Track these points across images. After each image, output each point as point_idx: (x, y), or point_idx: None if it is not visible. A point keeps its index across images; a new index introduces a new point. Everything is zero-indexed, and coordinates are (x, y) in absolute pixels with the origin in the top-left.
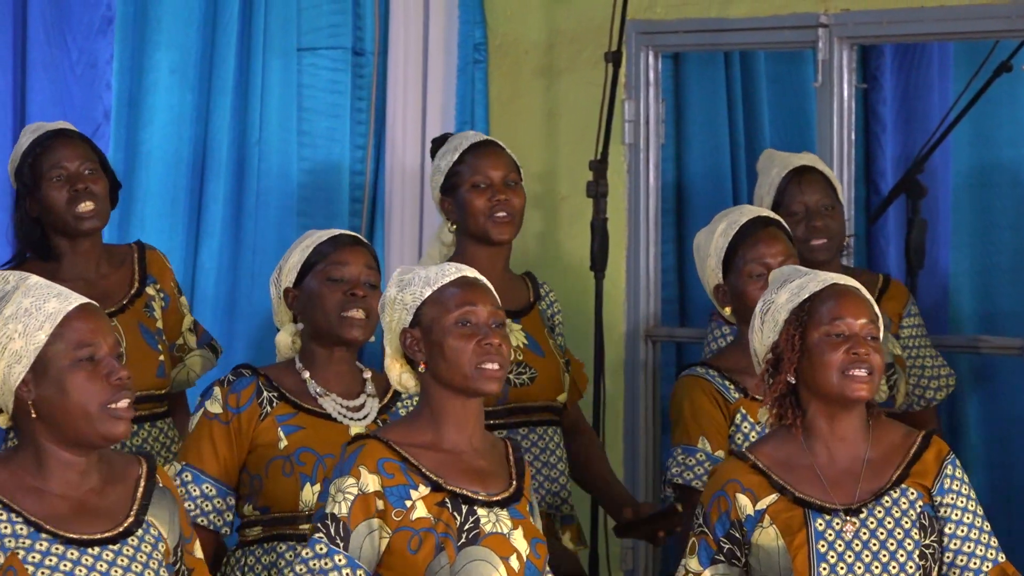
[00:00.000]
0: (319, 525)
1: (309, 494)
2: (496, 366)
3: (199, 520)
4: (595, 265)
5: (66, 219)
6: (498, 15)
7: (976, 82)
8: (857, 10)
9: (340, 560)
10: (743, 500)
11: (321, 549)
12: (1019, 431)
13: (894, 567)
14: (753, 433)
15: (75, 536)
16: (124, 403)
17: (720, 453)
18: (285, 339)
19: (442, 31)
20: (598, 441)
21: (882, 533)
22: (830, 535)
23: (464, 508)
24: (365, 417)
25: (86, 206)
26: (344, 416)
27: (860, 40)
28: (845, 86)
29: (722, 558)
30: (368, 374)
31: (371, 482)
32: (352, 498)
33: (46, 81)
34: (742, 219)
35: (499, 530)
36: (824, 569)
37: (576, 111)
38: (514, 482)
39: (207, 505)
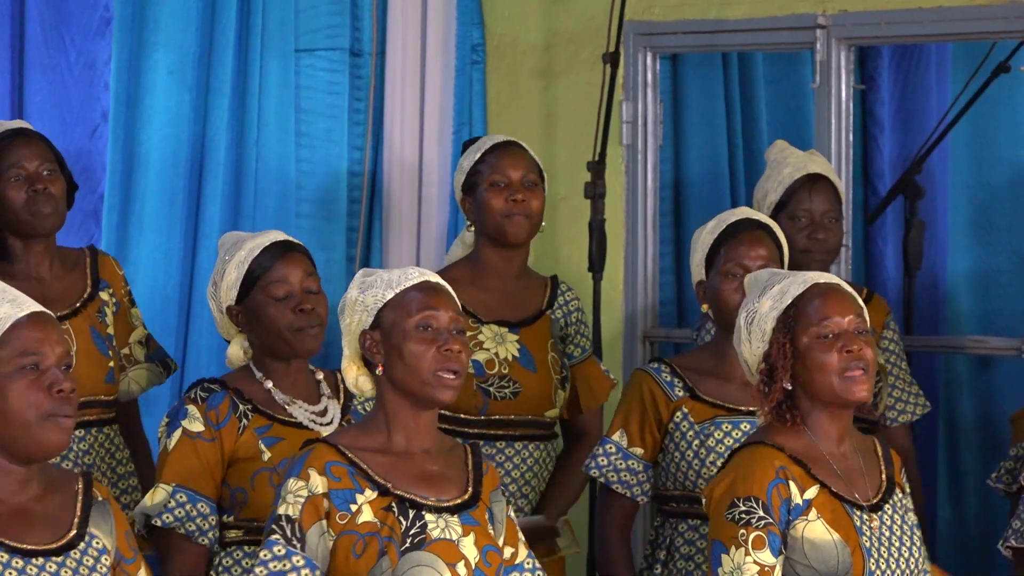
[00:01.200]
0: (274, 527)
1: None
2: (454, 376)
3: (200, 540)
4: (593, 266)
5: (23, 219)
6: (496, 16)
7: (974, 83)
8: (855, 11)
9: (298, 561)
10: (794, 488)
11: (279, 551)
12: None
13: (912, 563)
14: (691, 433)
15: (18, 545)
16: (65, 417)
17: (637, 451)
18: (237, 352)
19: (440, 32)
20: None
21: (896, 530)
22: (867, 531)
23: (411, 513)
24: (332, 421)
25: (44, 207)
26: (314, 423)
27: (858, 41)
28: (843, 87)
29: (784, 548)
30: (320, 375)
31: (319, 483)
32: (303, 500)
33: (44, 82)
34: (731, 218)
35: (447, 536)
36: (872, 565)
37: (574, 112)
38: (470, 488)
39: (205, 524)
